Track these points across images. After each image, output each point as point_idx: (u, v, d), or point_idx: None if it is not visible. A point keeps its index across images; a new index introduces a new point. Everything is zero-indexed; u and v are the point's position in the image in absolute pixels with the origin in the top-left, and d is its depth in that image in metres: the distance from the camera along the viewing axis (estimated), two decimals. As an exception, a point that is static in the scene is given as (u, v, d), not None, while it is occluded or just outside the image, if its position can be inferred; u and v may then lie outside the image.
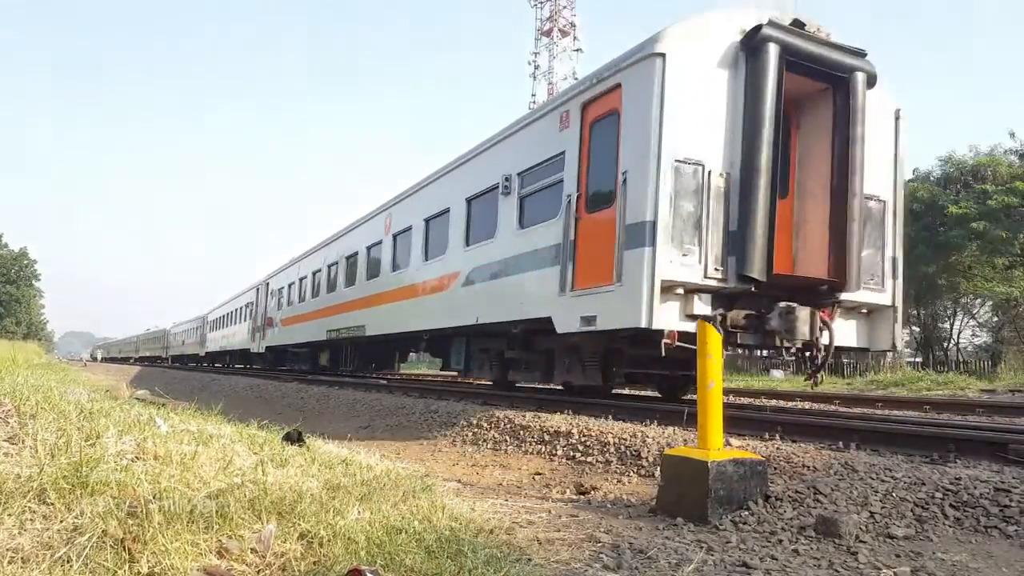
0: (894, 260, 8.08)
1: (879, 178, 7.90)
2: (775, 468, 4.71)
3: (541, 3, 63.94)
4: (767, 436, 6.05)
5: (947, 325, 27.63)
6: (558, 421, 7.08)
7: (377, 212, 14.61)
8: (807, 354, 7.51)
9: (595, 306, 7.31)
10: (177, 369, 37.53)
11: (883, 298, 7.90)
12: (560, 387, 10.52)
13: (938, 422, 7.20)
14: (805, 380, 8.29)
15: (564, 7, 62.84)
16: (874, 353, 24.89)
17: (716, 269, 6.88)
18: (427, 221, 11.96)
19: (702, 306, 6.97)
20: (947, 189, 22.22)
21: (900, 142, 8.17)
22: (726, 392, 11.76)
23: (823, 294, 7.47)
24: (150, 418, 4.20)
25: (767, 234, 6.77)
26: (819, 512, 3.71)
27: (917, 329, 28.20)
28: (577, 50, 62.60)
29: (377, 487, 3.65)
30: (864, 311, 7.99)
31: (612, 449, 5.97)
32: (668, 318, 6.72)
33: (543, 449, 6.60)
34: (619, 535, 3.51)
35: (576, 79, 61.51)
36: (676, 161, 6.73)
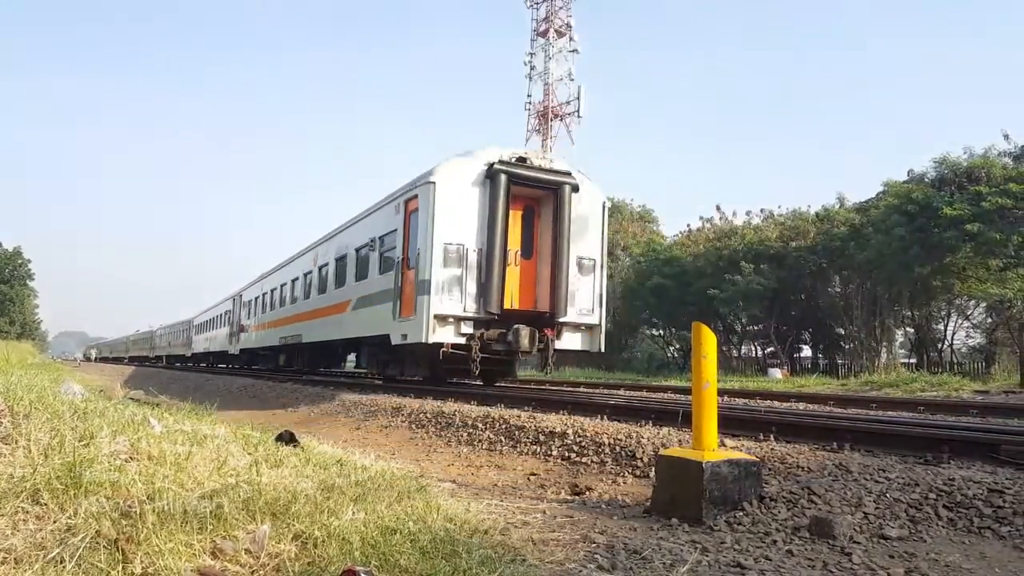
0: (601, 296, 12.38)
1: (591, 246, 12.26)
2: (769, 469, 4.72)
3: (537, 4, 63.95)
4: (761, 437, 6.06)
5: (941, 326, 27.72)
6: (553, 422, 7.08)
7: (310, 248, 18.71)
8: (545, 354, 11.84)
9: (407, 328, 11.41)
10: (174, 369, 37.45)
11: (594, 320, 12.28)
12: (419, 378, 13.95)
13: (932, 423, 7.22)
14: (540, 370, 14.02)
15: (560, 7, 62.86)
16: (869, 355, 25.11)
17: (471, 307, 11.09)
18: (336, 260, 16.12)
19: (467, 328, 11.15)
20: (941, 191, 22.24)
21: (605, 222, 12.59)
22: (721, 393, 11.78)
23: (548, 320, 11.66)
24: (144, 418, 4.19)
25: (500, 285, 11.07)
26: (813, 513, 3.72)
27: (912, 330, 28.29)
28: (573, 51, 62.63)
29: (372, 488, 3.65)
30: (584, 328, 12.24)
31: (607, 450, 5.98)
32: (444, 336, 10.93)
33: (538, 450, 6.60)
34: (614, 536, 3.51)
35: (572, 79, 61.61)
36: (445, 243, 10.96)
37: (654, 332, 38.91)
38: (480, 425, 7.79)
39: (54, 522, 2.32)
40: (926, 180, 23.50)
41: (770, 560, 3.17)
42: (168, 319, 50.45)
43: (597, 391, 14.36)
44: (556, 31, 62.26)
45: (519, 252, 11.91)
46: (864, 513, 3.77)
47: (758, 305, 28.51)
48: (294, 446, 4.84)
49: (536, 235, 12.20)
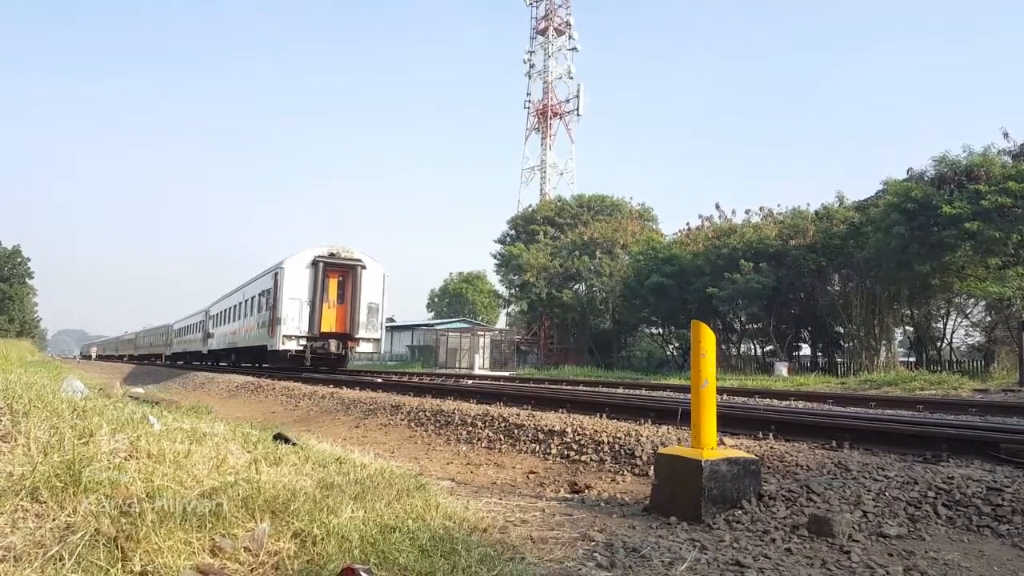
0: (381, 324, 22.13)
1: (375, 297, 21.88)
2: (768, 467, 4.73)
3: (536, 2, 63.84)
4: (760, 435, 6.07)
5: (940, 325, 27.72)
6: (552, 420, 7.08)
7: (242, 287, 27.83)
8: (345, 358, 22.24)
9: (272, 341, 21.01)
10: (174, 368, 37.60)
11: (376, 336, 22.00)
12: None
13: (931, 421, 7.23)
14: (342, 367, 22.25)
15: (559, 5, 62.76)
16: (868, 354, 25.08)
17: (305, 329, 20.80)
18: (251, 298, 25.21)
19: (302, 342, 20.81)
20: (941, 189, 22.21)
21: (384, 284, 22.30)
22: (720, 391, 11.78)
23: (349, 336, 21.45)
24: (143, 416, 4.19)
25: (319, 319, 20.91)
26: (812, 511, 3.72)
27: (911, 329, 28.28)
28: (573, 49, 62.56)
29: (371, 486, 3.65)
30: (371, 340, 21.88)
31: (606, 448, 5.98)
32: (289, 345, 20.69)
33: (537, 448, 6.60)
34: (613, 534, 3.51)
35: (572, 78, 61.53)
36: (289, 297, 20.69)
37: (653, 331, 38.94)
38: (479, 423, 7.79)
39: (53, 520, 2.32)
40: (925, 178, 23.47)
41: (769, 558, 3.17)
42: (168, 318, 52.31)
43: (596, 389, 14.38)
44: (555, 29, 62.22)
45: (336, 300, 21.78)
46: (863, 511, 3.77)
47: (757, 304, 28.51)
48: (292, 445, 4.84)
49: (346, 291, 21.86)
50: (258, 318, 23.75)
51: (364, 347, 22.09)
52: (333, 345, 21.19)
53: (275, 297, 21.24)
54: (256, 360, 26.29)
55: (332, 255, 21.31)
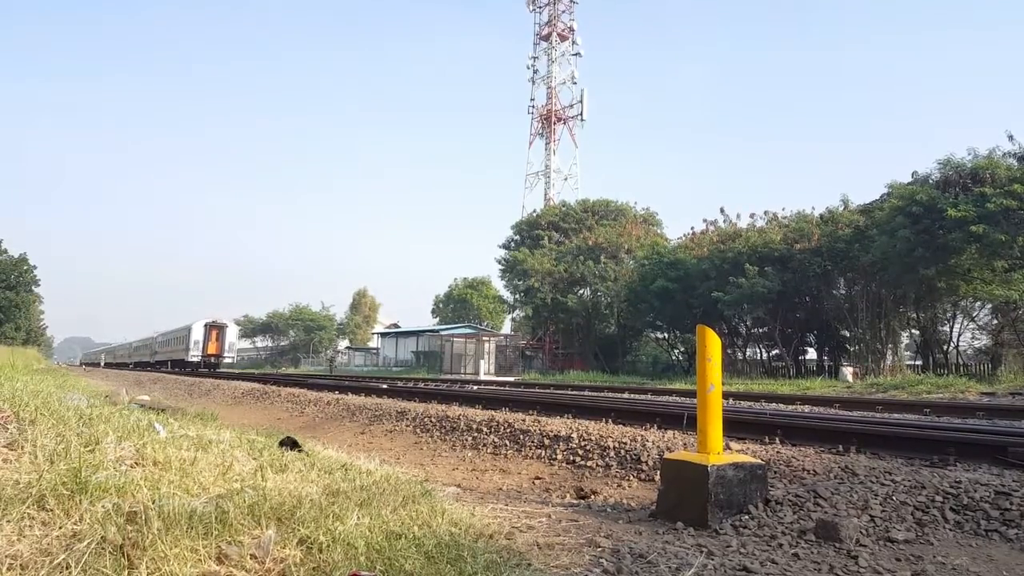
0: (235, 347, 52.58)
1: (233, 338, 51.05)
2: (775, 472, 4.71)
3: (540, 8, 64.03)
4: (767, 440, 6.05)
5: (947, 328, 27.59)
6: (558, 425, 7.07)
7: (172, 331, 55.11)
8: (218, 365, 49.41)
9: (187, 356, 48.52)
10: (177, 375, 37.78)
11: (234, 355, 52.68)
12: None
13: (938, 425, 7.20)
14: (218, 368, 49.00)
15: (563, 11, 62.93)
16: (874, 357, 24.95)
17: (201, 352, 48.54)
18: (176, 337, 52.53)
19: (200, 357, 49.26)
20: (946, 192, 22.12)
21: (236, 333, 53.90)
22: (726, 396, 11.76)
23: (219, 354, 49.46)
24: (149, 424, 4.20)
25: (206, 347, 48.59)
26: (819, 516, 3.71)
27: (917, 332, 28.16)
28: (576, 54, 62.72)
29: (376, 492, 3.65)
30: (230, 357, 51.48)
31: (612, 453, 5.97)
32: (194, 358, 47.87)
33: (543, 453, 6.59)
34: (619, 540, 3.50)
35: (575, 83, 61.61)
36: (192, 339, 48.77)
37: (658, 335, 38.86)
38: (485, 429, 7.78)
39: (60, 528, 2.33)
40: (930, 181, 23.39)
41: (776, 564, 3.16)
42: (170, 324, 62.75)
43: (601, 394, 14.36)
44: (559, 35, 62.39)
45: (215, 340, 47.67)
46: (870, 516, 3.75)
47: (763, 308, 28.43)
48: (298, 451, 4.84)
49: (219, 337, 48.17)
50: (179, 346, 48.97)
51: (227, 360, 47.73)
52: (212, 359, 46.15)
53: (188, 339, 46.77)
54: (177, 365, 48.21)
55: (214, 322, 47.46)
